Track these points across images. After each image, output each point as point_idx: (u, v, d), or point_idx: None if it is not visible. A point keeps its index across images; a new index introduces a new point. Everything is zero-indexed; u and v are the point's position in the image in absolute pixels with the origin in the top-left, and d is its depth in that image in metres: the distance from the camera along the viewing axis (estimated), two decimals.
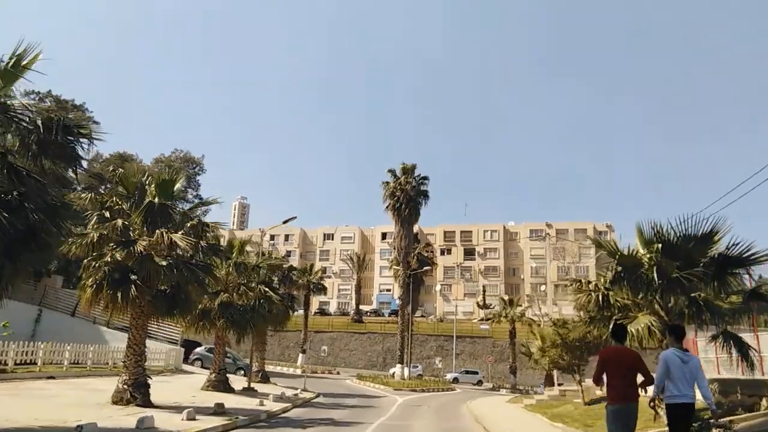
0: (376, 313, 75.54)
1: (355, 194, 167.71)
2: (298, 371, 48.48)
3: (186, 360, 33.81)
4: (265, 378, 28.73)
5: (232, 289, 21.68)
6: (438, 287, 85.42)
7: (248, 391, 23.16)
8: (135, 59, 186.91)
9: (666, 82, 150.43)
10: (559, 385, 25.97)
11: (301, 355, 52.10)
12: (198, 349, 33.69)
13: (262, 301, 22.72)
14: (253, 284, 22.65)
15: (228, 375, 23.68)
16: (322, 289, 54.34)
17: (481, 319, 71.54)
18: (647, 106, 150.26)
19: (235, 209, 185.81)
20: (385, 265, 76.11)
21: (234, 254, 22.39)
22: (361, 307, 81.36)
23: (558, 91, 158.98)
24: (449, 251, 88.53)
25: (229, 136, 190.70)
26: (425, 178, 44.88)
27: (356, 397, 27.64)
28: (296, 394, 24.58)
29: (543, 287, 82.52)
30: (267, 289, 22.60)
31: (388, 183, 44.89)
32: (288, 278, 29.60)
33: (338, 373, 51.68)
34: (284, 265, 29.79)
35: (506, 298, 52.21)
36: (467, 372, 53.90)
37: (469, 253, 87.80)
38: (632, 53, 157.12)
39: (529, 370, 59.18)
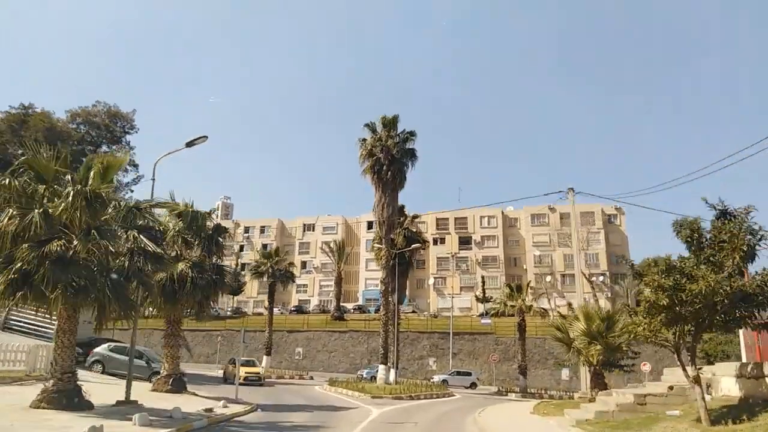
0: (360, 309, 66.48)
1: (339, 184, 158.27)
2: None
3: (83, 362, 24.90)
4: (179, 385, 19.79)
5: (78, 236, 12.73)
6: (431, 281, 76.65)
7: (121, 406, 14.36)
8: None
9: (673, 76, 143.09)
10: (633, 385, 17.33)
11: (265, 357, 43.14)
12: (98, 349, 24.70)
13: (139, 259, 13.80)
14: (121, 231, 13.74)
15: (95, 382, 14.84)
16: (290, 278, 45.52)
17: (481, 314, 62.83)
18: (651, 91, 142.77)
19: (218, 208, 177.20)
20: (372, 258, 67.43)
21: (93, 179, 13.49)
22: (344, 304, 72.51)
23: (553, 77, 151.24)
24: (443, 240, 79.62)
25: (213, 131, 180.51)
26: (411, 133, 36.06)
27: (312, 411, 18.89)
28: (210, 410, 15.76)
29: (548, 278, 73.73)
30: (144, 239, 13.63)
31: (365, 140, 36.06)
32: (214, 242, 20.54)
33: (311, 378, 42.75)
34: (208, 223, 20.70)
35: (513, 284, 43.39)
36: (458, 373, 45.16)
37: (465, 242, 78.94)
38: (633, 46, 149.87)
39: (540, 371, 50.75)
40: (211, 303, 20.97)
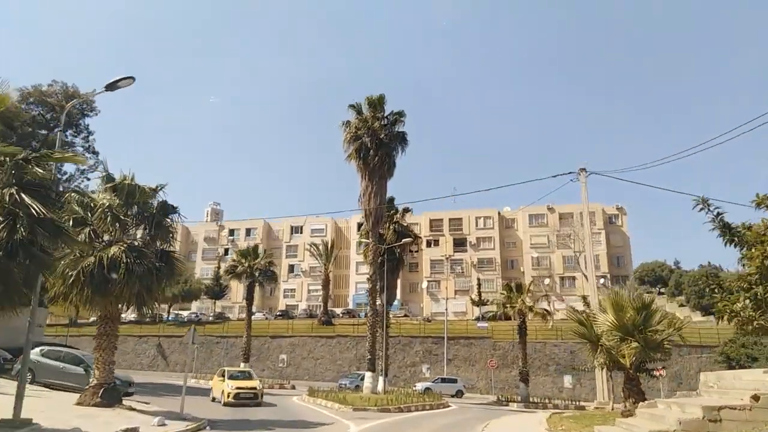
0: (350, 314, 62.69)
1: (328, 187, 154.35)
2: None
3: (10, 370, 21.26)
4: (112, 397, 16.04)
5: None
6: (424, 284, 73.17)
7: (2, 430, 10.65)
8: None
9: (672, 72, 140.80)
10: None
11: (242, 365, 39.33)
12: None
13: (24, 227, 10.13)
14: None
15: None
16: (272, 278, 41.74)
17: (477, 318, 59.27)
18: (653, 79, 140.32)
19: (207, 215, 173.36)
20: (363, 261, 63.89)
21: None
22: (334, 309, 68.76)
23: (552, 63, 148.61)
24: (436, 242, 76.06)
25: (197, 138, 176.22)
26: (400, 114, 32.59)
27: (274, 429, 15.23)
28: (134, 430, 12.10)
29: (547, 281, 70.25)
30: (26, 199, 9.98)
31: (349, 122, 32.60)
32: (156, 223, 16.88)
33: (293, 387, 39.00)
34: (152, 201, 17.04)
35: (513, 284, 39.85)
36: (443, 380, 41.20)
37: (460, 244, 75.44)
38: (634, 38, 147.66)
39: (541, 378, 47.08)
40: (157, 296, 17.22)
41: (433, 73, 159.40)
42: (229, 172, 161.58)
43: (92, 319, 65.26)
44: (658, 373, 32.11)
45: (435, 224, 76.88)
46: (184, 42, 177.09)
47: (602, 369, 21.39)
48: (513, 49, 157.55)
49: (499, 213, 76.48)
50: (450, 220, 76.53)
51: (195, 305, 78.40)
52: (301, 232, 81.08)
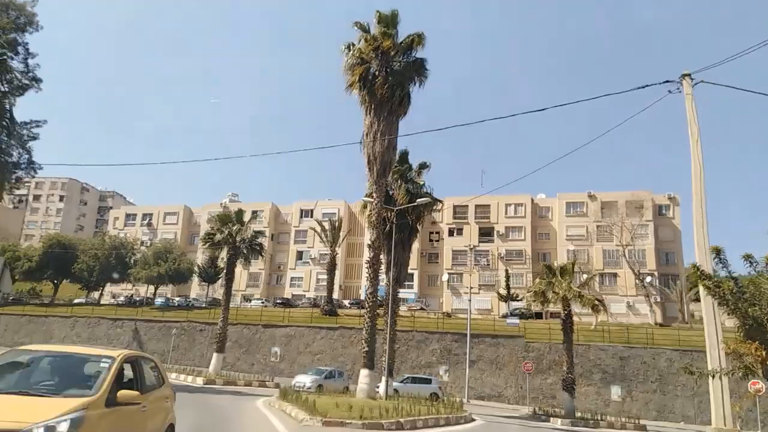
0: (359, 305, 54.89)
1: (340, 172, 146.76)
2: (199, 381, 28.57)
3: None
4: None
5: None
6: (445, 277, 65.04)
7: None
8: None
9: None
10: None
11: (215, 355, 32.03)
12: None
13: None
14: None
15: None
16: (257, 252, 34.47)
17: (505, 315, 51.13)
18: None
19: (223, 207, 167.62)
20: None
21: None
22: (342, 300, 61.56)
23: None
24: (460, 231, 68.05)
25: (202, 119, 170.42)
26: (419, 36, 24.67)
27: None
28: None
29: (584, 277, 61.45)
30: None
31: (352, 45, 24.95)
32: None
33: (277, 386, 31.54)
34: None
35: (556, 264, 31.82)
36: (414, 380, 31.98)
37: (486, 233, 67.28)
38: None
39: (583, 388, 38.69)
40: None
41: (439, 71, 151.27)
42: (243, 171, 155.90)
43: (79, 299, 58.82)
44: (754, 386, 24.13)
45: (459, 211, 68.78)
46: (184, 42, 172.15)
47: (721, 375, 13.31)
48: (524, 48, 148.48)
49: (532, 200, 68.08)
50: (476, 207, 68.30)
51: (194, 291, 72.03)
52: (312, 216, 73.59)
